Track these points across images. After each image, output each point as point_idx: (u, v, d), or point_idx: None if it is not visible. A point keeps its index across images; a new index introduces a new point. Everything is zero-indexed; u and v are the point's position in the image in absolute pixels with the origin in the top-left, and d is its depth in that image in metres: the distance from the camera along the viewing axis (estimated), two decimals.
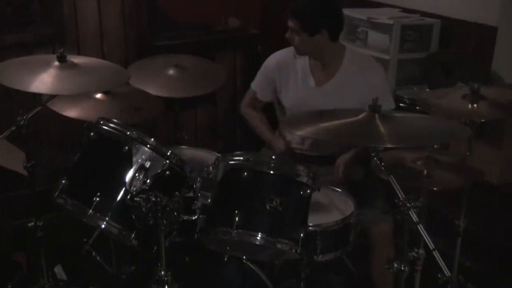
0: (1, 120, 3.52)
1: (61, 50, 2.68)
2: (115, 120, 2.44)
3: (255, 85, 3.22)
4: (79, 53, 4.02)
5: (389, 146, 1.97)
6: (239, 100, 4.61)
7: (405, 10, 3.94)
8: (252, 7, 5.37)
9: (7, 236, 3.60)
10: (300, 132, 2.13)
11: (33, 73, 2.57)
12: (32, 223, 2.84)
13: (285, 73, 3.08)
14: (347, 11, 4.01)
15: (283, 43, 3.04)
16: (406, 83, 3.76)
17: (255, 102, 3.25)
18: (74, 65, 2.68)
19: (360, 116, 2.15)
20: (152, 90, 3.18)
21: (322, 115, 2.30)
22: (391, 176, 2.07)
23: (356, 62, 2.99)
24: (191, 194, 2.41)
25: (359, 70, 2.96)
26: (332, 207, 2.68)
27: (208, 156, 3.05)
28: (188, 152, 3.13)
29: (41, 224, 2.83)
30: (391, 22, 3.65)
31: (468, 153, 2.64)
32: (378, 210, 2.84)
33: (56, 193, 2.38)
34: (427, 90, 3.67)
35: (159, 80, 3.25)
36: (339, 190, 2.77)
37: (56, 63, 2.65)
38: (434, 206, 2.75)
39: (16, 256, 3.46)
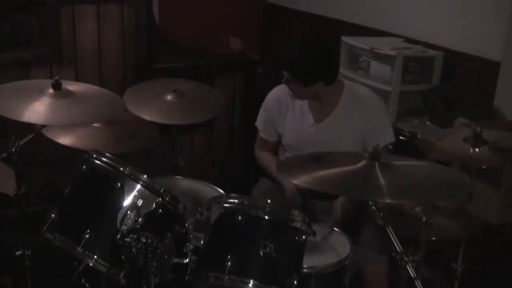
0: None
1: (57, 77, 2.62)
2: (108, 154, 2.37)
3: (259, 124, 3.16)
4: (77, 73, 3.96)
5: (388, 201, 1.91)
6: (237, 125, 4.60)
7: (408, 40, 3.90)
8: (252, 27, 5.37)
9: None
10: (296, 181, 2.07)
11: (26, 101, 2.52)
12: (20, 252, 2.78)
13: (284, 108, 3.03)
14: (350, 40, 4.00)
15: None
16: (407, 114, 3.72)
17: (266, 144, 3.16)
18: (69, 93, 2.62)
19: (359, 164, 2.09)
20: (149, 116, 3.11)
21: (319, 159, 2.23)
22: (389, 227, 2.02)
23: (355, 97, 2.93)
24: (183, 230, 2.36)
25: (357, 105, 2.91)
26: (327, 248, 2.61)
27: (204, 189, 3.01)
28: (183, 183, 3.07)
29: (29, 253, 2.78)
30: (393, 53, 3.61)
31: (467, 198, 2.58)
32: (374, 250, 2.78)
33: (45, 228, 2.32)
34: (428, 122, 3.63)
35: (156, 106, 3.18)
36: (335, 229, 2.71)
37: (51, 90, 2.59)
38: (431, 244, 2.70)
39: (4, 280, 3.39)
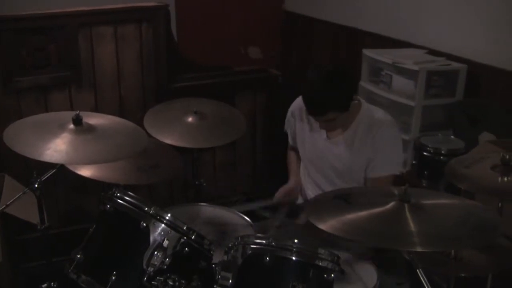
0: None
1: (78, 112, 2.61)
2: (131, 193, 2.35)
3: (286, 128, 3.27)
4: (96, 95, 3.96)
5: (419, 250, 1.87)
6: (259, 141, 4.55)
7: (431, 51, 3.83)
8: (271, 36, 5.33)
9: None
10: (325, 226, 2.02)
11: (46, 138, 2.51)
12: (46, 285, 2.78)
13: (303, 118, 3.07)
14: (371, 53, 3.93)
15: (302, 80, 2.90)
16: (430, 129, 3.66)
17: (292, 147, 3.30)
18: (90, 128, 2.61)
19: (388, 206, 2.05)
20: (170, 140, 3.10)
21: (347, 199, 2.19)
22: (420, 269, 1.97)
23: (367, 120, 2.90)
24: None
25: (368, 128, 2.88)
26: (354, 277, 2.57)
27: (228, 215, 3.00)
28: (207, 211, 3.05)
29: (55, 285, 2.77)
30: (416, 67, 3.54)
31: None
32: (393, 279, 2.74)
33: (70, 269, 2.31)
34: (452, 137, 3.57)
35: (177, 129, 3.17)
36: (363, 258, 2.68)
37: (71, 126, 2.58)
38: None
39: None
